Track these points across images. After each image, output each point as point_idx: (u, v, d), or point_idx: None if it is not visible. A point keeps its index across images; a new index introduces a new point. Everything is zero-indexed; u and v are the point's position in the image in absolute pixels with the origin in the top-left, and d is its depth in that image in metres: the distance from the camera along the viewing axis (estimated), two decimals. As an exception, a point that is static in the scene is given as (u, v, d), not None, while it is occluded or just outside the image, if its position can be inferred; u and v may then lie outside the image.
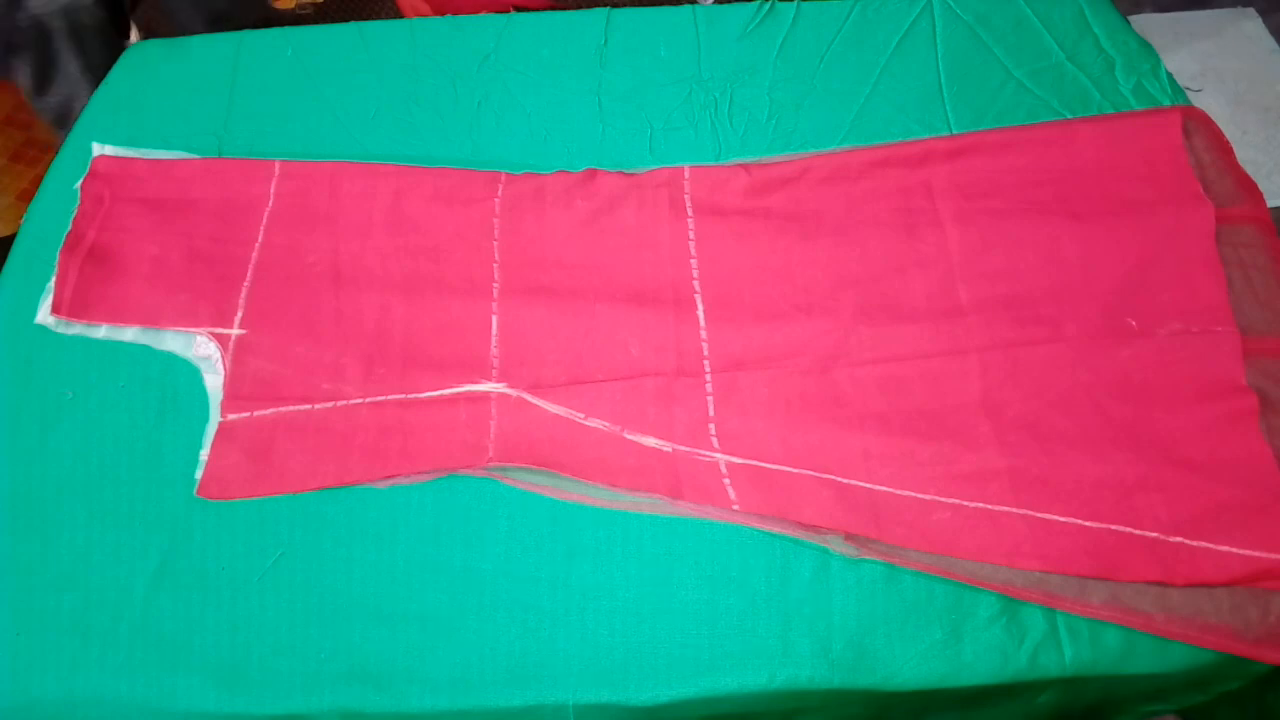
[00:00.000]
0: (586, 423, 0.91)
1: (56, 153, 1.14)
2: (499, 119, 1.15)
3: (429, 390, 0.94)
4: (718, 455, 0.89)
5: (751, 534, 0.85)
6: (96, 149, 1.12)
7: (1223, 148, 1.04)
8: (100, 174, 1.09)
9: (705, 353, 0.95)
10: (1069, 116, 1.09)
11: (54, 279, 1.00)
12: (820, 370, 0.93)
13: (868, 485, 0.86)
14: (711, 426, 0.90)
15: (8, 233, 1.42)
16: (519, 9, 1.38)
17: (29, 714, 0.80)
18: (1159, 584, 0.80)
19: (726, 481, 0.87)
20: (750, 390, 0.92)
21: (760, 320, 0.97)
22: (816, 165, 1.06)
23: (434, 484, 0.88)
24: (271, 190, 1.08)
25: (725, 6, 1.24)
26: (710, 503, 0.86)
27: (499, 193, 1.07)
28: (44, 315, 0.99)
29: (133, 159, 1.11)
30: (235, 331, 0.98)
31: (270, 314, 0.99)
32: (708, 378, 0.93)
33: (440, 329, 0.98)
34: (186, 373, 0.96)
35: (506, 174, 1.08)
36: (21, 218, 1.21)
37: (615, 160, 1.10)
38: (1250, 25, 1.82)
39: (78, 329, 0.99)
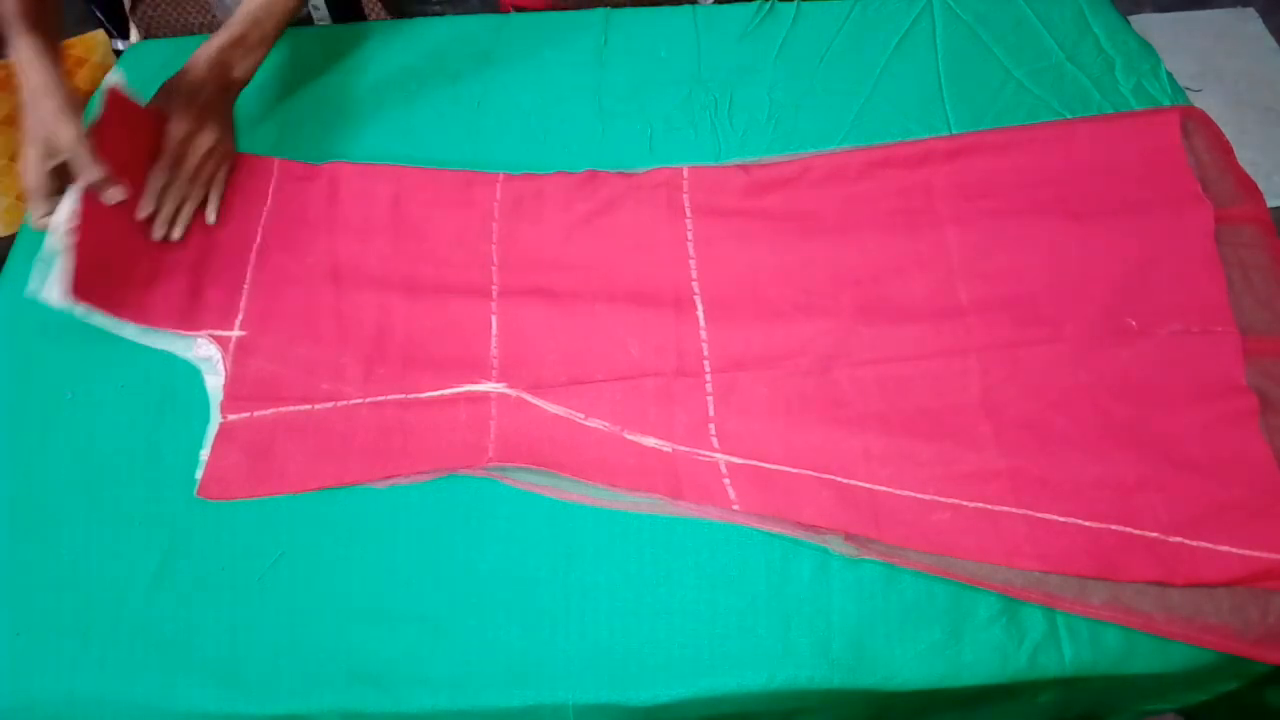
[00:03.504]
0: (586, 423, 0.91)
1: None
2: (499, 119, 1.15)
3: (429, 390, 0.94)
4: (718, 455, 0.89)
5: (751, 534, 0.85)
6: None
7: (1223, 148, 1.04)
8: (100, 174, 1.09)
9: (705, 353, 0.95)
10: (1069, 116, 1.09)
11: (55, 271, 1.00)
12: (820, 370, 0.93)
13: (868, 485, 0.86)
14: (711, 426, 0.90)
15: (8, 233, 1.42)
16: (518, 9, 1.38)
17: (29, 714, 0.79)
18: (1159, 584, 0.80)
19: (726, 481, 0.87)
20: (750, 390, 0.92)
21: (760, 320, 0.97)
22: (816, 165, 1.06)
23: (434, 484, 0.88)
24: (270, 190, 1.08)
25: (725, 6, 1.24)
26: (710, 503, 0.86)
27: (498, 194, 1.07)
28: (47, 293, 0.91)
29: (133, 159, 1.11)
30: (235, 333, 0.98)
31: (270, 315, 0.99)
32: (708, 378, 0.93)
33: (440, 329, 0.98)
34: (186, 373, 0.96)
35: (505, 175, 1.08)
36: (22, 218, 1.21)
37: (615, 160, 1.09)
38: (1250, 25, 1.82)
39: (79, 311, 0.94)
